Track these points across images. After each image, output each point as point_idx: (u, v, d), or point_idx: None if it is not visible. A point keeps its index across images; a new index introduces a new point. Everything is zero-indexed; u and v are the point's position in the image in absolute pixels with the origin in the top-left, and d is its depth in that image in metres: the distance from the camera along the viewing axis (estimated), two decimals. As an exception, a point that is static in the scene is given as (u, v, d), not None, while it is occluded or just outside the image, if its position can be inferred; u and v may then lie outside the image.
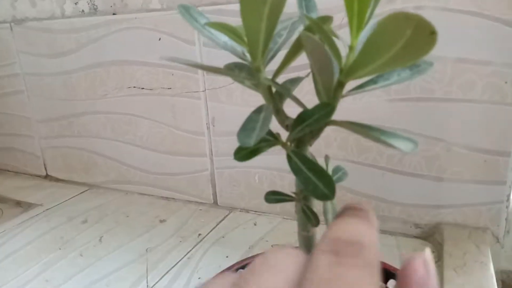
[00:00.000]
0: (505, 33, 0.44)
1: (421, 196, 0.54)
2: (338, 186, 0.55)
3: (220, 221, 0.64)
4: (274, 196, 0.28)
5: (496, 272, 0.46)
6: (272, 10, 0.20)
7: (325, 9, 0.51)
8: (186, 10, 0.25)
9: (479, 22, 0.45)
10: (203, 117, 0.64)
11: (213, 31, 0.25)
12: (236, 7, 0.56)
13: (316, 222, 0.25)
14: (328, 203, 0.26)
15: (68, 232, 0.64)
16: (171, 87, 0.65)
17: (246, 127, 0.23)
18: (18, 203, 0.77)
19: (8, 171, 0.93)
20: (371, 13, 0.23)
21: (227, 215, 0.65)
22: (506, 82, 0.46)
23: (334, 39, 0.22)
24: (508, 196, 0.50)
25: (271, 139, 0.25)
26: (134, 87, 0.68)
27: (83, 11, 0.70)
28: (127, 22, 0.65)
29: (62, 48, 0.73)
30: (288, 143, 0.25)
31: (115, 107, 0.72)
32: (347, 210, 0.17)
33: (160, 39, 0.63)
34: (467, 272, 0.45)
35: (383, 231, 0.57)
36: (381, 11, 0.48)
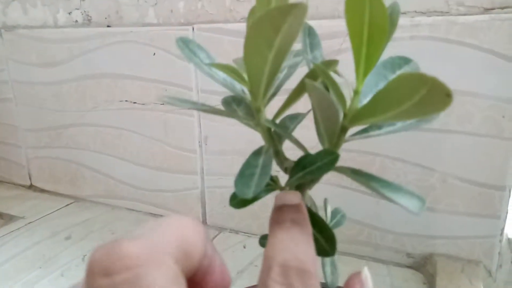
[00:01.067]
0: (505, 67, 0.44)
1: (414, 225, 0.53)
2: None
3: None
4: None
5: (489, 309, 0.45)
6: (277, 55, 0.19)
7: (325, 33, 0.50)
8: (184, 44, 0.24)
9: (479, 56, 0.44)
10: (196, 135, 0.63)
11: (212, 67, 0.24)
12: (234, 26, 0.55)
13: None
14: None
15: (51, 248, 0.61)
16: (164, 103, 0.64)
17: (244, 173, 0.22)
18: (0, 215, 0.75)
19: (-8, 179, 0.90)
20: (378, 59, 0.22)
21: (216, 236, 0.64)
22: (503, 117, 0.45)
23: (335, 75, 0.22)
24: (502, 230, 0.49)
25: (270, 183, 0.24)
26: (126, 101, 0.67)
27: (76, 21, 0.68)
28: (121, 35, 0.64)
29: (53, 57, 0.71)
30: (287, 188, 0.24)
31: (106, 120, 0.70)
32: (284, 213, 0.19)
33: (154, 54, 0.62)
34: (460, 309, 0.44)
35: (375, 260, 0.56)
36: (395, 35, 0.48)
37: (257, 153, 0.23)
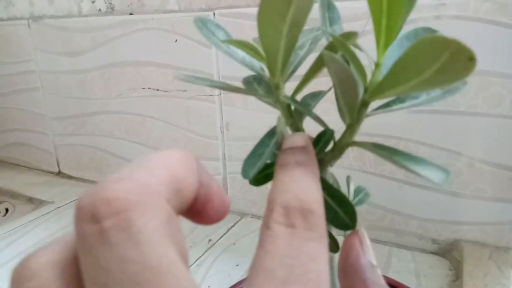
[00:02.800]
0: (537, 46, 0.42)
1: (439, 211, 0.52)
2: None
3: (231, 227, 0.62)
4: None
5: (517, 296, 0.44)
6: (291, 28, 0.18)
7: (347, 15, 0.49)
8: (203, 24, 0.24)
9: (509, 34, 0.43)
10: (217, 121, 0.63)
11: (230, 46, 0.24)
12: (255, 10, 0.55)
13: (336, 248, 0.24)
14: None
15: (78, 232, 0.63)
16: (186, 90, 0.64)
17: (255, 153, 0.22)
18: (30, 200, 0.78)
19: (21, 166, 0.94)
20: (400, 29, 0.22)
21: (238, 221, 0.64)
22: (535, 98, 0.43)
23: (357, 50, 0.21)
24: (533, 215, 0.48)
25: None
26: (149, 88, 0.67)
27: (100, 10, 0.69)
28: (143, 23, 0.64)
29: (78, 46, 0.73)
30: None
31: (129, 107, 0.71)
32: (288, 155, 0.18)
33: (176, 41, 0.62)
34: (487, 295, 0.43)
35: (398, 246, 0.55)
36: (423, 15, 0.46)
37: (271, 132, 0.22)
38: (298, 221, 0.15)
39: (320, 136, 0.22)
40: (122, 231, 0.11)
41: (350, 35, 0.21)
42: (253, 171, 0.21)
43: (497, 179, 0.47)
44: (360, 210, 0.59)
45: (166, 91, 0.66)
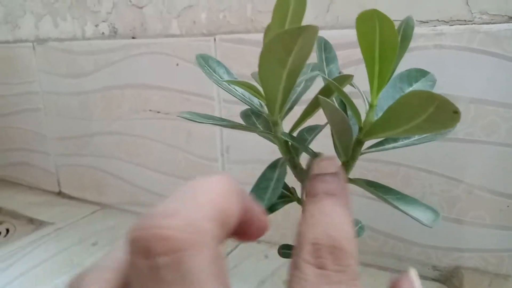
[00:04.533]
0: (532, 76, 0.43)
1: (440, 237, 0.52)
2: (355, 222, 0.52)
3: (231, 251, 0.62)
4: (289, 251, 0.27)
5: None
6: (290, 73, 0.19)
7: (346, 43, 0.50)
8: (204, 61, 0.25)
9: (503, 65, 0.43)
10: (218, 144, 0.64)
11: (231, 84, 0.25)
12: (255, 36, 0.56)
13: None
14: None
15: (78, 254, 0.63)
16: (184, 118, 0.65)
17: (260, 186, 0.22)
18: (31, 220, 0.78)
19: (22, 185, 0.94)
20: (392, 73, 0.22)
21: (238, 245, 0.64)
22: (532, 126, 0.44)
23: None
24: (532, 243, 0.48)
25: (287, 195, 0.25)
26: (150, 110, 0.68)
27: (103, 33, 0.71)
28: (145, 47, 0.65)
29: (81, 69, 0.74)
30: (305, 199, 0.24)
31: (130, 129, 0.72)
32: (318, 184, 0.17)
33: (178, 64, 0.63)
34: (486, 324, 0.43)
35: (399, 272, 0.55)
36: (418, 44, 0.47)
37: (273, 166, 0.23)
38: (328, 261, 0.14)
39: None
40: (175, 270, 0.11)
41: (345, 79, 0.21)
42: (263, 203, 0.21)
43: (496, 206, 0.48)
44: (363, 236, 0.59)
45: (167, 113, 0.67)
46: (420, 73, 0.26)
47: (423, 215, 0.18)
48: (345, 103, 0.21)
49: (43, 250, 0.65)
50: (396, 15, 0.48)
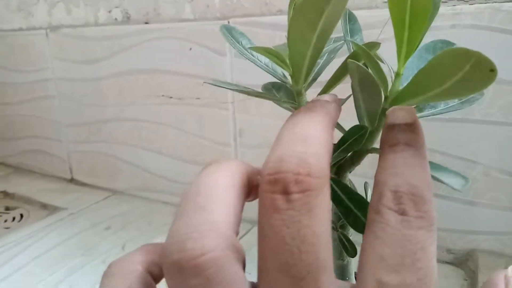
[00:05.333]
0: (553, 55, 0.42)
1: (455, 220, 0.52)
2: None
3: (243, 235, 0.63)
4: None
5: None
6: (319, 37, 0.19)
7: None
8: (228, 31, 0.25)
9: (525, 43, 0.43)
10: (231, 128, 0.64)
11: (254, 53, 0.25)
12: (270, 19, 0.55)
13: (354, 252, 0.24)
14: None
15: (92, 238, 0.64)
16: (199, 97, 0.65)
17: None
18: (44, 206, 0.78)
19: (35, 172, 0.95)
20: (420, 41, 0.22)
21: (250, 229, 0.64)
22: (551, 107, 0.43)
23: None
24: (549, 226, 0.47)
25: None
26: (163, 95, 0.68)
27: (116, 19, 0.71)
28: (159, 32, 0.65)
29: (94, 55, 0.74)
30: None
31: (143, 115, 0.72)
32: (396, 134, 0.17)
33: (191, 49, 0.63)
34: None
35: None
36: (438, 24, 0.47)
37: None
38: (409, 208, 0.15)
39: (338, 141, 0.22)
40: (304, 204, 0.14)
41: (373, 45, 0.21)
42: None
43: (511, 187, 0.47)
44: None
45: (179, 98, 0.67)
46: (446, 44, 0.26)
47: (454, 181, 0.18)
48: (373, 70, 0.21)
49: (57, 234, 0.66)
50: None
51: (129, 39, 0.69)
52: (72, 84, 0.80)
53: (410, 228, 0.14)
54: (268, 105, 0.59)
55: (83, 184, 0.87)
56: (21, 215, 0.76)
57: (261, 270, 0.14)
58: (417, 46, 0.22)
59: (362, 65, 0.18)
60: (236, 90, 0.23)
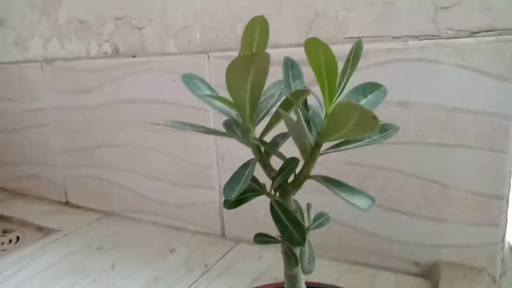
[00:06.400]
0: (492, 85, 0.47)
1: (421, 235, 0.56)
2: (338, 222, 0.60)
3: (227, 253, 0.66)
4: (262, 238, 0.31)
5: (488, 314, 0.47)
6: (253, 88, 0.23)
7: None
8: (190, 79, 0.30)
9: (468, 75, 0.48)
10: (214, 153, 0.68)
11: (212, 98, 0.29)
12: (245, 53, 0.61)
13: (296, 263, 0.28)
14: (306, 247, 0.29)
15: (84, 257, 0.68)
16: (166, 126, 0.69)
17: (233, 180, 0.26)
18: (39, 228, 0.82)
19: (31, 196, 0.99)
20: (344, 85, 0.27)
21: (233, 247, 0.68)
22: (495, 130, 0.48)
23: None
24: (503, 238, 0.52)
25: (258, 189, 0.29)
26: (150, 123, 0.73)
27: (106, 52, 0.76)
28: (145, 64, 0.71)
29: (85, 86, 0.79)
30: (272, 193, 0.28)
31: (132, 141, 0.77)
32: None
33: (175, 80, 0.68)
34: (458, 312, 0.46)
35: (384, 268, 0.59)
36: (390, 58, 0.52)
37: (245, 165, 0.27)
38: None
39: (279, 169, 0.27)
40: None
41: (303, 93, 0.26)
42: (234, 194, 0.25)
43: (469, 204, 0.52)
44: (346, 235, 0.63)
45: (165, 126, 0.71)
46: (374, 86, 0.31)
47: (360, 201, 0.22)
48: (302, 113, 0.25)
49: (51, 254, 0.69)
50: (372, 32, 0.53)
51: (118, 71, 0.74)
52: (65, 112, 0.85)
53: None
54: (246, 131, 0.63)
55: (77, 207, 0.91)
56: (18, 238, 0.80)
57: None
58: (340, 91, 0.26)
59: (285, 113, 0.23)
60: (195, 130, 0.28)
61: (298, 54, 0.31)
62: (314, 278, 0.43)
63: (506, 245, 0.53)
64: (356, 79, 0.30)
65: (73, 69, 0.80)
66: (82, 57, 0.80)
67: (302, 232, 0.24)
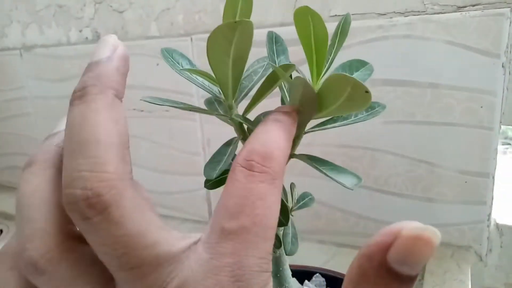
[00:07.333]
0: (478, 60, 0.46)
1: (408, 215, 0.56)
2: (327, 205, 0.60)
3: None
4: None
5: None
6: (235, 61, 0.22)
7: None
8: (168, 54, 0.28)
9: (454, 50, 0.47)
10: (199, 138, 0.67)
11: (192, 73, 0.28)
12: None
13: (278, 244, 0.27)
14: (289, 228, 0.29)
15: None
16: (168, 110, 0.68)
17: (214, 159, 0.26)
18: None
19: (14, 188, 0.97)
20: (331, 61, 0.26)
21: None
22: (481, 107, 0.48)
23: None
24: (489, 215, 0.52)
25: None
26: (134, 109, 0.72)
27: (87, 38, 0.74)
28: (127, 49, 0.69)
29: (67, 73, 0.77)
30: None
31: (117, 128, 0.75)
32: (271, 114, 0.20)
33: (158, 64, 0.67)
34: (446, 290, 0.46)
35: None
36: (376, 35, 0.51)
37: (228, 143, 0.27)
38: (256, 163, 0.16)
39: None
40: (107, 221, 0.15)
41: (289, 67, 0.25)
42: (215, 173, 0.25)
43: (455, 182, 0.52)
44: (334, 218, 0.62)
45: (150, 112, 0.70)
46: (360, 63, 0.30)
47: (346, 180, 0.22)
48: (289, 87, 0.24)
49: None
50: (357, 9, 0.52)
51: (100, 56, 0.72)
52: (47, 101, 0.82)
53: (253, 182, 0.16)
54: (232, 115, 0.62)
55: (62, 198, 0.89)
56: (1, 231, 0.78)
57: None
58: (327, 66, 0.26)
59: (308, 82, 0.22)
60: (175, 107, 0.27)
61: (283, 34, 0.30)
62: (302, 261, 0.43)
63: (492, 223, 0.54)
64: (342, 58, 0.29)
65: (53, 56, 0.78)
66: (63, 44, 0.77)
67: (285, 212, 0.24)
